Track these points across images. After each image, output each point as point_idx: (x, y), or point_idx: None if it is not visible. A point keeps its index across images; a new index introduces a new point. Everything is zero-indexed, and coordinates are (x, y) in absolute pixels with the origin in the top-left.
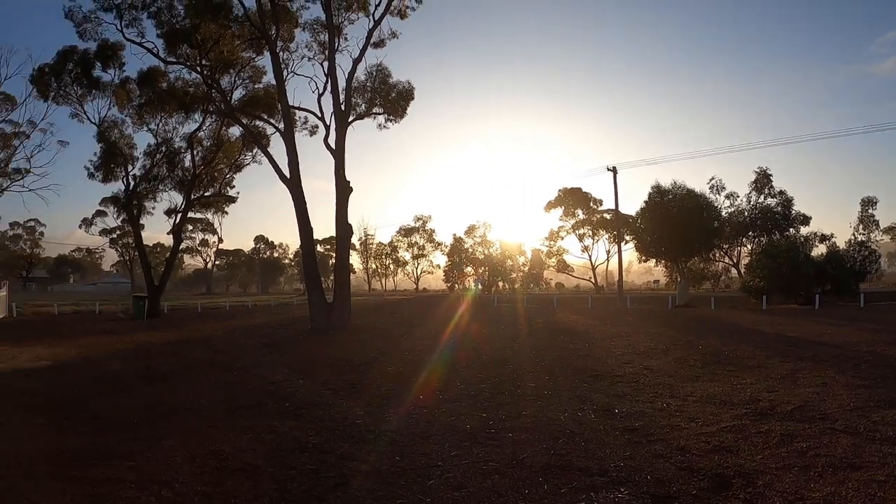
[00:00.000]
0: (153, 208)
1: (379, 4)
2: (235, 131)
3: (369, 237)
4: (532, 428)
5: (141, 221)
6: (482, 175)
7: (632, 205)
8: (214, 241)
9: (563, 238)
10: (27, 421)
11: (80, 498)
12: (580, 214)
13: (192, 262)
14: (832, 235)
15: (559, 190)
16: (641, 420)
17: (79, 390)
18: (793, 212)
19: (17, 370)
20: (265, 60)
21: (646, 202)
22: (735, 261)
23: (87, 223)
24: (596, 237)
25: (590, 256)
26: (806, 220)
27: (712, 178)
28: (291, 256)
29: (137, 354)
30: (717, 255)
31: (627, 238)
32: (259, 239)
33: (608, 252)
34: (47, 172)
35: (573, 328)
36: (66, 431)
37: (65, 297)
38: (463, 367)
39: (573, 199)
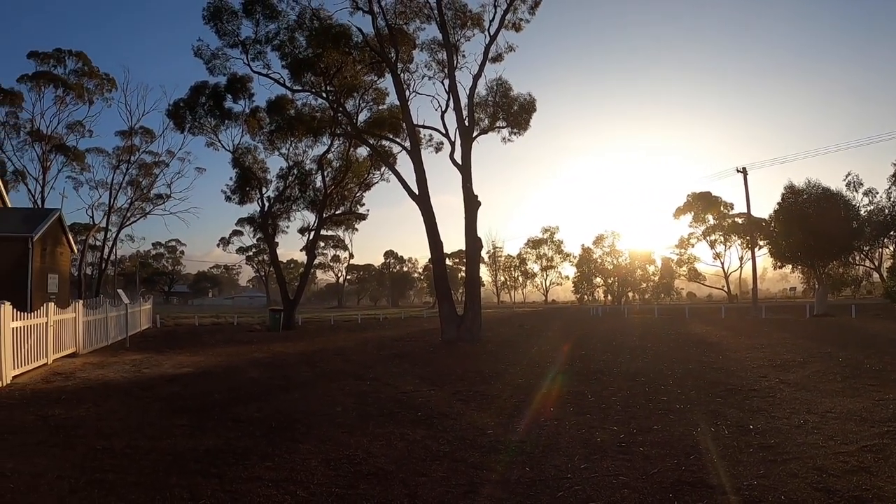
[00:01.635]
0: (287, 227)
1: (493, 20)
2: (363, 151)
3: (497, 250)
4: (663, 442)
5: (275, 239)
6: (609, 183)
7: (765, 207)
8: (345, 257)
9: (693, 245)
10: (171, 422)
11: (221, 493)
12: (710, 220)
13: (324, 277)
14: None
15: (688, 195)
16: (777, 437)
17: (219, 395)
18: None
19: (162, 376)
20: (387, 83)
21: (779, 204)
22: (877, 264)
23: (224, 242)
24: (728, 243)
25: (722, 264)
26: None
27: (848, 174)
28: (420, 270)
29: (274, 363)
30: (857, 258)
31: (761, 243)
32: (389, 254)
33: (741, 259)
34: (186, 196)
35: (706, 339)
36: (207, 433)
37: (204, 310)
38: (592, 379)
39: (702, 204)
